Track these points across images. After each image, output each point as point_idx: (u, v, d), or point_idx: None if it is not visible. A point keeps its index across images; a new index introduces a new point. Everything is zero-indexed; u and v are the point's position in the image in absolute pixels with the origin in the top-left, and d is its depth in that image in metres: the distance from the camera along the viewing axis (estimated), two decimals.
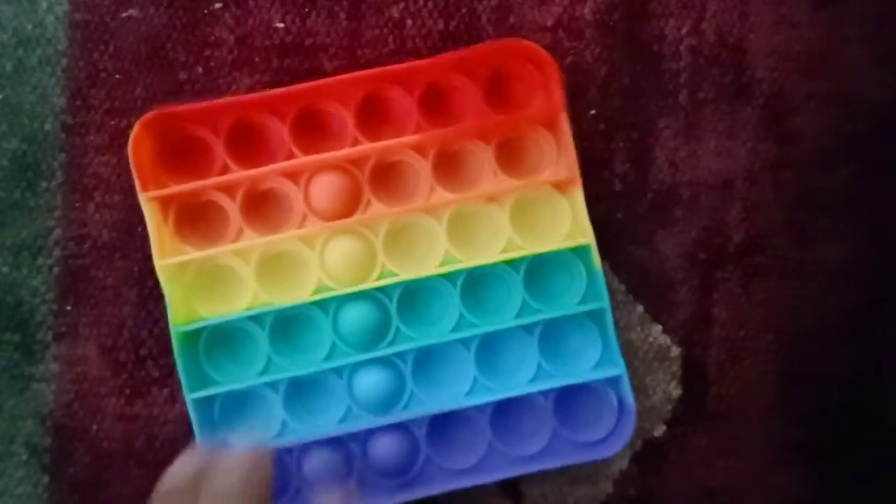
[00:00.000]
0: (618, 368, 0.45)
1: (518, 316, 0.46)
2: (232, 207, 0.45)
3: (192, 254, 0.44)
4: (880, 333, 0.49)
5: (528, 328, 0.46)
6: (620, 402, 0.46)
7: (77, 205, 0.47)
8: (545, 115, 0.46)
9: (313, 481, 0.45)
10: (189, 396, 0.44)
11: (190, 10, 0.47)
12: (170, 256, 0.44)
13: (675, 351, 0.49)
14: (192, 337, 0.45)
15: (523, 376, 0.46)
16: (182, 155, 0.45)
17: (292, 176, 0.45)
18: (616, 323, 0.46)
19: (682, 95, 0.48)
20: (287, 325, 0.46)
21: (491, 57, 0.45)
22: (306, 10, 0.47)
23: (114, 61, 0.47)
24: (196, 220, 0.46)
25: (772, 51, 0.49)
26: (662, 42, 0.48)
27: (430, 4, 0.48)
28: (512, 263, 0.45)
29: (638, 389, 0.48)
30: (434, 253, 0.46)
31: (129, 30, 0.47)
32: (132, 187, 0.44)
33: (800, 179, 0.49)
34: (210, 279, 0.45)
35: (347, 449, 0.46)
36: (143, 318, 0.47)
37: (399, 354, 0.46)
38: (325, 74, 0.46)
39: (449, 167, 0.46)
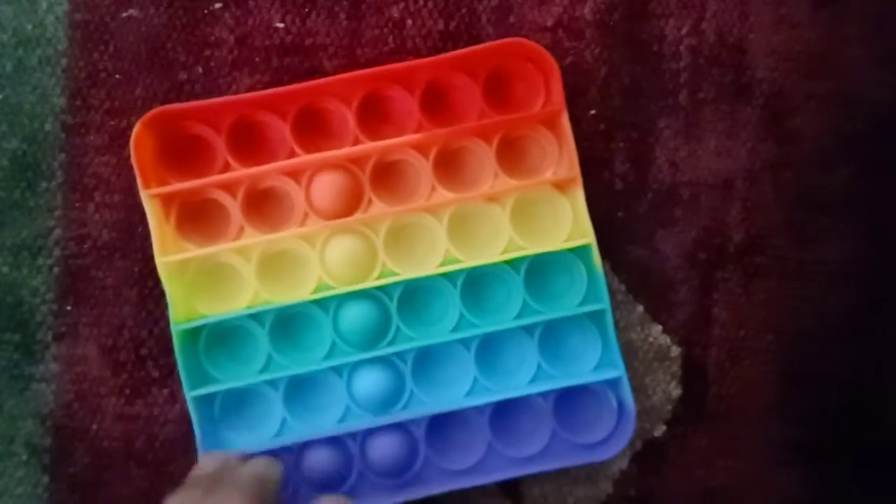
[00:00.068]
0: (618, 370, 0.45)
1: (518, 316, 0.46)
2: (233, 205, 0.45)
3: (194, 251, 0.44)
4: (880, 333, 0.49)
5: (528, 329, 0.46)
6: (620, 404, 0.46)
7: (77, 205, 0.47)
8: (546, 115, 0.46)
9: (311, 481, 0.45)
10: (189, 394, 0.44)
11: (190, 10, 0.47)
12: (171, 254, 0.44)
13: (675, 351, 0.49)
14: (193, 335, 0.45)
15: (523, 377, 0.46)
16: (183, 153, 0.45)
17: (293, 174, 0.45)
18: (616, 323, 0.46)
19: (682, 95, 0.48)
20: (287, 323, 0.46)
21: (491, 56, 0.45)
22: (306, 10, 0.47)
23: (114, 61, 0.47)
24: (197, 218, 0.46)
25: (772, 51, 0.49)
26: (662, 42, 0.48)
27: (430, 4, 0.48)
28: (512, 263, 0.45)
29: (638, 389, 0.48)
30: (434, 252, 0.46)
31: (129, 30, 0.47)
32: (132, 187, 0.44)
33: (800, 179, 0.49)
34: (211, 277, 0.45)
35: (346, 448, 0.46)
36: (143, 318, 0.47)
37: (399, 354, 0.46)
38: (325, 74, 0.46)
39: (449, 166, 0.46)
